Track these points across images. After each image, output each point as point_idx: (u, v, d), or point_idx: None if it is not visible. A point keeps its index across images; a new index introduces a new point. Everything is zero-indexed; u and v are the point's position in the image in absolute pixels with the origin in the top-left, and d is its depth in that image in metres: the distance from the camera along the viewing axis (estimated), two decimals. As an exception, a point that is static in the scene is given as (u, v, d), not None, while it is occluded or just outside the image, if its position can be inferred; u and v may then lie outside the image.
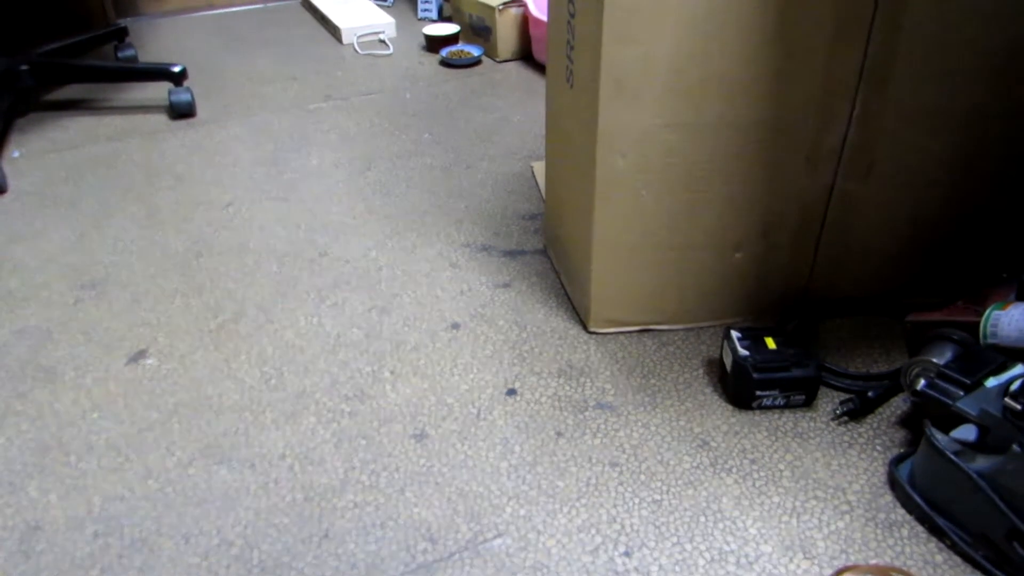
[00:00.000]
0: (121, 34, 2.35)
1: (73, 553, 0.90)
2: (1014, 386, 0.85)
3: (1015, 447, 0.81)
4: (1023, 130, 1.10)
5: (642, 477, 0.97)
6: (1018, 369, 0.91)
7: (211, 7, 2.87)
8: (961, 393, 0.90)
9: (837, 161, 1.09)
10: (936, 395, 0.92)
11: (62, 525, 0.93)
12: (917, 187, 1.13)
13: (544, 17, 2.07)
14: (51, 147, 1.85)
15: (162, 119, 1.98)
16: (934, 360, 0.98)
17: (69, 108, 2.07)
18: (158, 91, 2.05)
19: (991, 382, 0.90)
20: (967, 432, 0.89)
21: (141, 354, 1.20)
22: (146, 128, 1.94)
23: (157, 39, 2.59)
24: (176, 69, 1.98)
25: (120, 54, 2.34)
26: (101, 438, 1.05)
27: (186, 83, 1.99)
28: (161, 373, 1.16)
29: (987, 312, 0.97)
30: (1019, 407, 0.83)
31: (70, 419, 1.09)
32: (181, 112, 1.98)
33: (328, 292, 1.33)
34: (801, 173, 1.09)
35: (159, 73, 2.01)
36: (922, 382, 0.96)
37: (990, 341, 0.96)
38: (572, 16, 1.06)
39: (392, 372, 1.15)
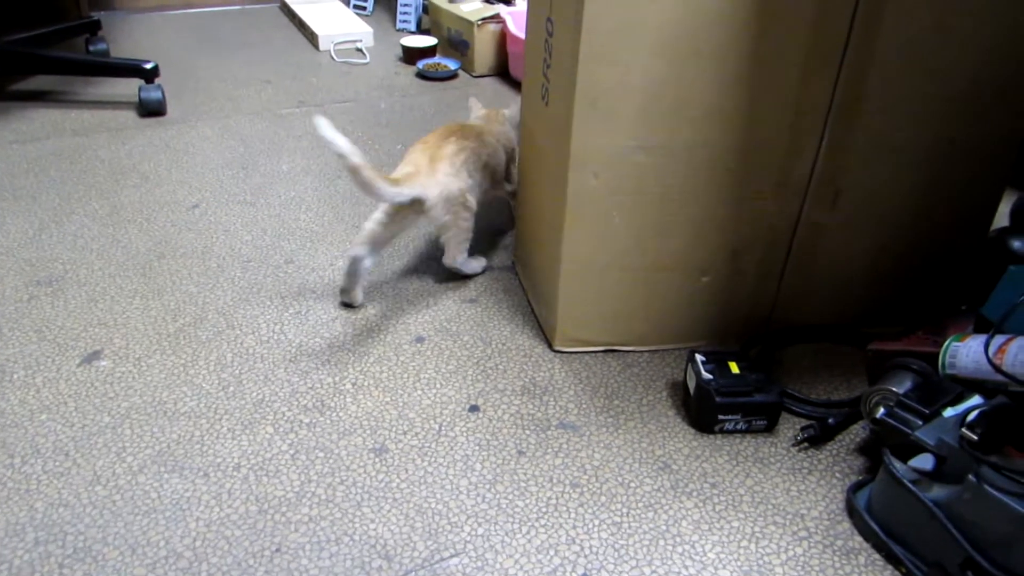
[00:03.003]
0: (93, 27, 2.31)
1: (11, 560, 0.87)
2: (971, 416, 0.86)
3: (971, 477, 0.81)
4: (983, 165, 1.12)
5: (603, 499, 0.97)
6: (975, 400, 0.93)
7: (188, 6, 2.84)
8: (920, 422, 0.91)
9: (805, 190, 1.10)
10: (895, 424, 0.93)
11: (1, 531, 0.90)
12: (881, 218, 1.14)
13: (522, 34, 2.08)
14: (14, 138, 1.81)
15: (131, 116, 1.95)
16: (894, 389, 0.99)
17: (35, 99, 2.03)
18: (128, 87, 2.02)
19: (949, 412, 0.92)
20: (924, 461, 0.90)
21: (95, 355, 1.17)
22: (114, 124, 1.90)
23: (130, 35, 2.55)
24: (148, 66, 1.95)
25: (91, 48, 2.30)
26: (48, 441, 1.02)
27: (158, 81, 1.96)
28: (115, 376, 1.13)
29: (946, 343, 0.99)
30: (975, 437, 0.83)
31: (16, 420, 1.05)
32: (151, 110, 1.95)
33: (292, 300, 1.31)
34: (769, 200, 1.10)
35: (130, 69, 1.98)
36: (881, 410, 0.97)
37: (948, 372, 0.97)
38: (550, 35, 1.06)
39: (354, 384, 1.13)
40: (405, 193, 1.19)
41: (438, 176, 1.23)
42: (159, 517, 0.92)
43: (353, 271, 1.26)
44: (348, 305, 1.29)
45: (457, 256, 1.32)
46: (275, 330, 1.23)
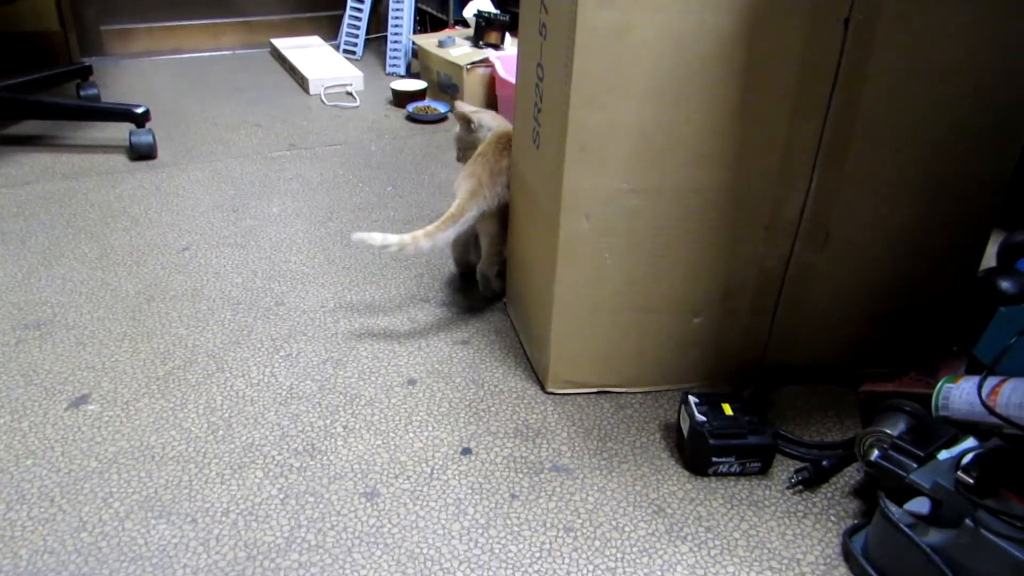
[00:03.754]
0: (85, 73, 2.32)
1: (-7, 612, 0.84)
2: (966, 459, 0.86)
3: (968, 521, 0.81)
4: (970, 205, 1.14)
5: (597, 543, 0.96)
6: (969, 442, 0.92)
7: (178, 51, 2.87)
8: (914, 465, 0.91)
9: (795, 231, 1.11)
10: (890, 466, 0.93)
11: (-17, 581, 0.88)
12: (871, 259, 1.15)
13: (511, 78, 2.11)
14: (3, 182, 1.81)
15: (121, 160, 1.96)
16: (887, 431, 0.99)
17: (26, 144, 2.03)
18: (119, 131, 2.02)
19: (943, 455, 0.91)
20: (921, 505, 0.89)
21: (83, 399, 1.15)
22: (104, 168, 1.91)
23: (121, 80, 2.57)
24: (139, 110, 1.96)
25: (82, 92, 2.31)
26: (34, 486, 1.00)
27: (148, 125, 1.97)
28: (103, 420, 1.11)
29: (939, 385, 0.99)
30: (971, 481, 0.83)
31: (1, 465, 1.03)
32: (141, 154, 1.96)
33: (282, 342, 1.30)
34: (760, 242, 1.11)
35: (121, 114, 1.99)
36: (876, 453, 0.97)
37: (942, 413, 0.98)
38: (540, 80, 1.08)
39: (345, 427, 1.12)
40: (473, 215, 1.32)
41: (497, 188, 1.35)
42: (146, 564, 0.90)
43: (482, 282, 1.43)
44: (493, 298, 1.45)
45: (494, 264, 1.42)
46: (265, 373, 1.22)
